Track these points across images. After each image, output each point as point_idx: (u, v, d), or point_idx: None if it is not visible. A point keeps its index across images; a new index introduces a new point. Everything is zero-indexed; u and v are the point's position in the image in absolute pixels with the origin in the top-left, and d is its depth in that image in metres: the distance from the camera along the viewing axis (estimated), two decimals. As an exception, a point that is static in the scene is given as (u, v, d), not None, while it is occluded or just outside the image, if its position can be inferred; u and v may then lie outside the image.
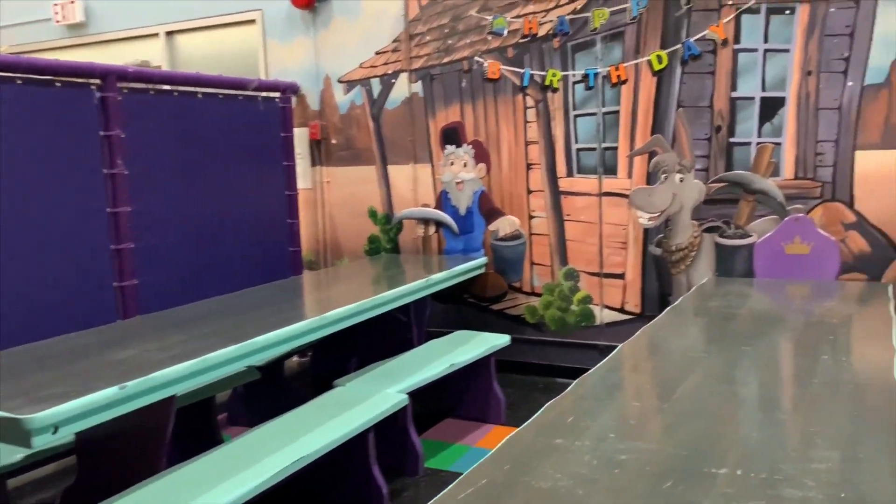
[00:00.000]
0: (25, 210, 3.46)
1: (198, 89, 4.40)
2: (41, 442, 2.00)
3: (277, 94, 4.96)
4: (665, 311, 3.08)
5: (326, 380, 3.62)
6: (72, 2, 5.88)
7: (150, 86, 4.11)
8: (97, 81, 3.79)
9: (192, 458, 2.66)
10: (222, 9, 5.41)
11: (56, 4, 5.93)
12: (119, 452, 2.66)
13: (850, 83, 3.82)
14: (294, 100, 5.14)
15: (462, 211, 4.77)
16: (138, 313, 3.92)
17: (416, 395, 3.48)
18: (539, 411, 1.85)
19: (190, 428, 3.45)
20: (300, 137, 5.18)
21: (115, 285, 3.90)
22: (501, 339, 4.10)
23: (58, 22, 5.96)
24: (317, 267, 5.40)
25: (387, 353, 3.95)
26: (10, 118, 3.40)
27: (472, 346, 3.99)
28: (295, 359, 5.05)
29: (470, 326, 4.58)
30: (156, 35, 5.69)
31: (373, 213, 5.18)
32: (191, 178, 4.35)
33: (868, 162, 3.82)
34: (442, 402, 4.13)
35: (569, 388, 1.99)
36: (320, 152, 5.28)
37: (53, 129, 3.61)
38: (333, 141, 5.24)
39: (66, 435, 2.17)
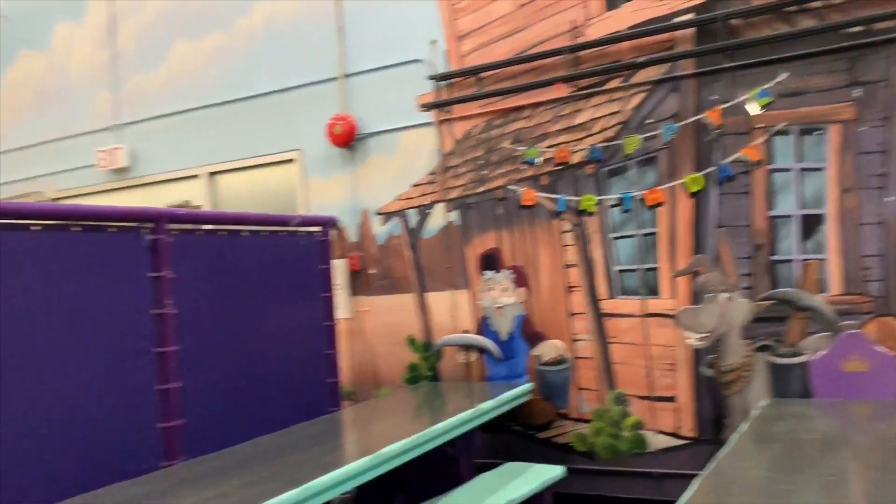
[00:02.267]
0: (73, 351, 3.47)
1: (243, 228, 4.50)
2: None
3: (318, 229, 5.07)
4: (732, 439, 2.97)
5: (372, 519, 3.49)
6: (117, 148, 6.16)
7: (198, 226, 4.22)
8: (149, 225, 3.89)
9: None
10: (264, 150, 5.64)
11: (102, 151, 6.21)
12: None
13: (890, 198, 3.84)
14: (333, 233, 5.25)
15: (503, 336, 4.73)
16: (182, 455, 3.83)
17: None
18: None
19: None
20: (339, 269, 5.25)
21: (159, 426, 3.85)
22: (555, 471, 3.95)
23: (101, 167, 6.22)
24: (355, 398, 5.33)
25: (435, 488, 3.82)
26: (65, 264, 3.48)
27: (525, 480, 3.85)
28: (337, 497, 4.87)
29: (517, 456, 4.44)
30: (196, 176, 5.90)
31: (412, 341, 5.15)
32: (235, 314, 4.37)
33: (918, 275, 3.79)
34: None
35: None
36: (359, 282, 5.33)
37: (105, 272, 3.67)
38: (372, 271, 5.30)
39: None
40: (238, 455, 3.27)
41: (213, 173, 5.87)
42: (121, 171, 6.22)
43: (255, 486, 2.69)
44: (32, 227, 3.38)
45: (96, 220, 3.67)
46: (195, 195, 5.90)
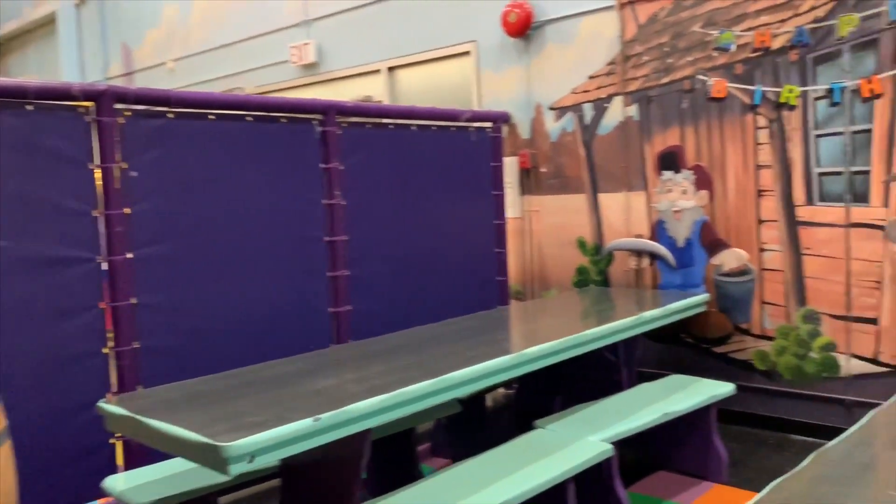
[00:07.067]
0: (249, 237, 3.70)
1: (412, 122, 4.48)
2: (237, 470, 2.04)
3: (489, 124, 4.94)
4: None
5: (529, 417, 3.46)
6: (306, 44, 6.35)
7: (368, 119, 4.25)
8: (319, 117, 3.98)
9: (386, 495, 2.61)
10: (439, 42, 5.52)
11: (293, 47, 6.44)
12: (318, 481, 2.69)
13: None
14: (505, 129, 5.09)
15: (680, 242, 4.38)
16: (351, 338, 4.03)
17: (624, 441, 3.19)
18: (763, 492, 1.53)
19: (390, 458, 3.46)
20: (510, 166, 5.11)
21: (330, 311, 4.05)
22: (724, 388, 3.66)
23: (294, 63, 6.47)
24: (524, 297, 5.28)
25: (594, 393, 3.69)
26: (239, 152, 3.67)
27: (689, 394, 3.61)
28: (501, 391, 4.94)
29: (687, 370, 4.17)
30: (378, 71, 5.95)
31: (582, 244, 4.95)
32: (403, 208, 4.43)
33: None
34: (653, 451, 3.77)
35: (803, 464, 1.64)
36: (529, 181, 5.17)
37: (278, 162, 3.83)
38: (543, 169, 5.10)
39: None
40: (391, 342, 3.35)
41: (391, 68, 5.88)
42: (310, 67, 6.43)
43: (395, 373, 2.73)
44: (209, 117, 3.58)
45: (268, 110, 3.82)
46: (377, 90, 5.97)
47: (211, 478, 2.69)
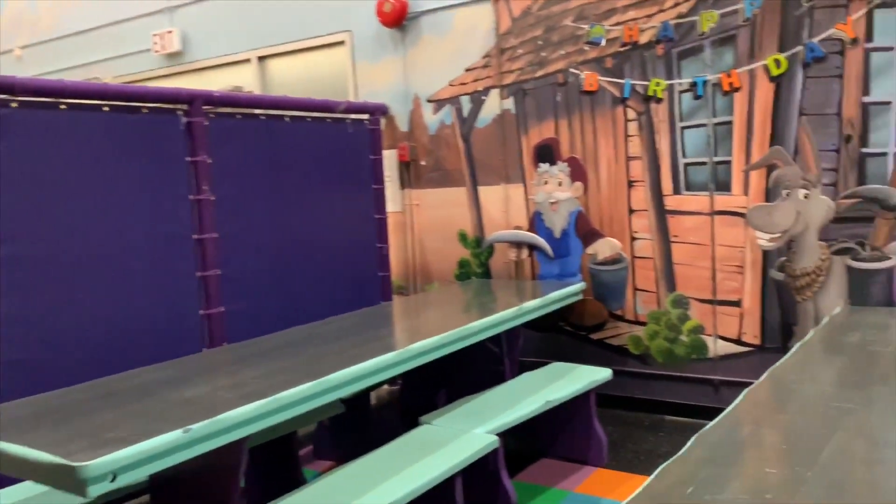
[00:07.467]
0: (110, 237, 3.42)
1: (285, 113, 4.31)
2: (97, 491, 1.85)
3: (366, 116, 4.83)
4: (793, 348, 2.68)
5: (415, 412, 3.41)
6: (170, 32, 6.00)
7: (237, 110, 4.04)
8: (184, 107, 3.74)
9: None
10: (312, 31, 5.35)
11: (155, 35, 6.07)
12: (192, 494, 2.51)
13: None
14: (383, 121, 5.00)
15: (557, 233, 4.46)
16: (225, 342, 3.82)
17: (508, 431, 3.20)
18: (650, 478, 1.54)
19: (270, 464, 3.31)
20: (389, 159, 5.03)
21: (201, 313, 3.82)
22: (602, 374, 3.75)
23: (156, 52, 6.09)
24: (406, 292, 5.22)
25: (477, 385, 3.69)
26: (96, 145, 3.38)
27: (569, 381, 3.67)
28: (385, 388, 4.86)
29: (566, 357, 4.26)
30: (248, 61, 5.70)
31: (463, 237, 4.95)
32: (278, 203, 4.25)
33: None
34: (536, 440, 3.82)
35: (686, 448, 1.67)
36: (409, 174, 5.11)
37: (139, 155, 3.57)
38: (423, 162, 5.06)
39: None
40: (268, 344, 3.19)
41: (262, 58, 5.65)
42: (174, 56, 6.08)
43: (273, 376, 2.60)
44: (61, 106, 3.28)
45: (128, 100, 3.54)
46: (247, 81, 5.72)
47: (69, 500, 2.45)
